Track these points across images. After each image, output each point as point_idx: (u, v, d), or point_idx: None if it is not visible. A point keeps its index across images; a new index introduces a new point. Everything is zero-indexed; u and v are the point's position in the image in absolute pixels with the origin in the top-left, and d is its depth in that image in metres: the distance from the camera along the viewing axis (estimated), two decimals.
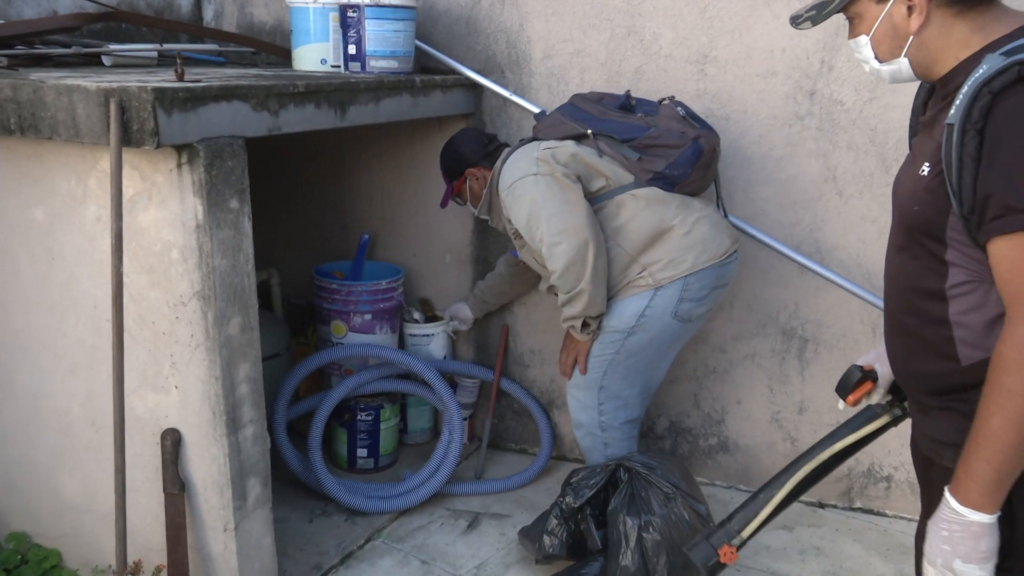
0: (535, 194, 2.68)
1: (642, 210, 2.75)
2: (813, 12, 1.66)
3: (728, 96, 3.11)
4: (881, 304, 2.98)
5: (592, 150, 2.79)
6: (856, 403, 1.96)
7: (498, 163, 2.91)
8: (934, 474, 1.71)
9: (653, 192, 2.76)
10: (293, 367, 3.38)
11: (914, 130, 1.77)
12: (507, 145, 3.07)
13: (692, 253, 2.74)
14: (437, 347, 3.59)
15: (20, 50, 2.83)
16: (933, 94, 1.69)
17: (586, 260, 2.64)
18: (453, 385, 3.63)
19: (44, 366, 2.60)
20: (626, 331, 2.77)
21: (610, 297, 2.79)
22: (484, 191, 3.00)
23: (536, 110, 3.26)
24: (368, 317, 3.49)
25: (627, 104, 2.92)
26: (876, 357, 1.95)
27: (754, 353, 3.31)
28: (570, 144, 2.80)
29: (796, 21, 1.70)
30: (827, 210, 3.09)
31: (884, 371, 1.93)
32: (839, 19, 2.88)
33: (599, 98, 2.93)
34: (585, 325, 2.78)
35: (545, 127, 2.91)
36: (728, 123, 3.12)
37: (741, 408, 3.38)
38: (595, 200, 2.76)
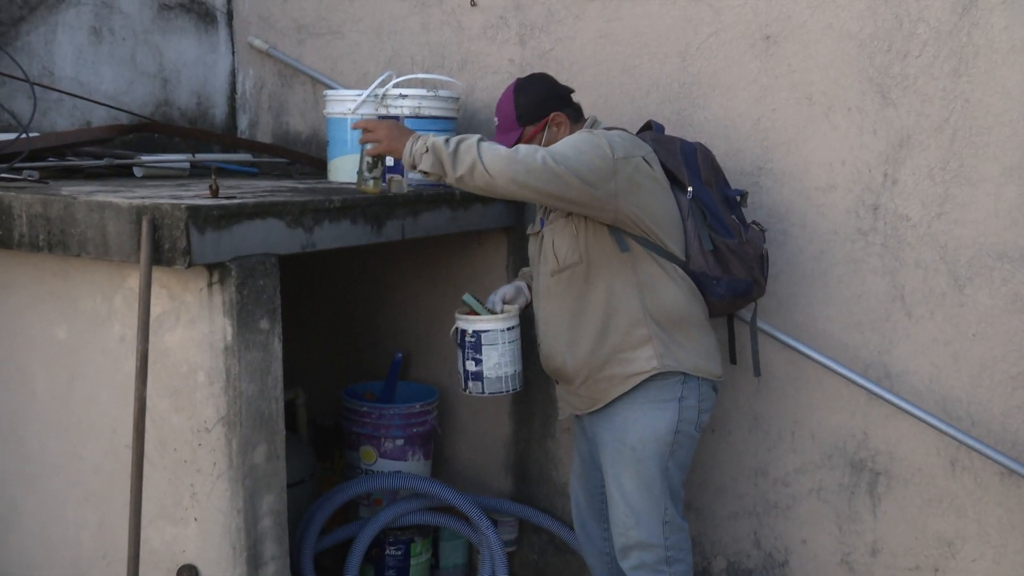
0: (611, 150, 2.46)
1: (673, 285, 2.58)
2: None
3: (785, 210, 2.99)
4: (958, 435, 2.82)
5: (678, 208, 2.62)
6: None
7: (596, 123, 2.72)
8: None
9: (690, 283, 2.61)
10: (320, 496, 3.18)
11: None
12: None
13: (706, 358, 2.63)
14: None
15: (51, 162, 2.80)
16: None
17: (528, 181, 2.38)
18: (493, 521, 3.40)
19: (56, 493, 2.50)
20: (668, 452, 2.62)
21: (608, 355, 2.58)
22: None
23: None
24: (400, 443, 3.33)
25: (738, 202, 2.75)
26: None
27: (820, 487, 3.08)
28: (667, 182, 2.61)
29: None
30: (895, 331, 2.91)
31: None
32: (903, 129, 2.80)
33: (716, 168, 2.74)
34: (415, 168, 2.47)
35: (661, 144, 2.66)
36: (786, 237, 3.00)
37: (807, 548, 3.13)
38: (647, 245, 2.57)
